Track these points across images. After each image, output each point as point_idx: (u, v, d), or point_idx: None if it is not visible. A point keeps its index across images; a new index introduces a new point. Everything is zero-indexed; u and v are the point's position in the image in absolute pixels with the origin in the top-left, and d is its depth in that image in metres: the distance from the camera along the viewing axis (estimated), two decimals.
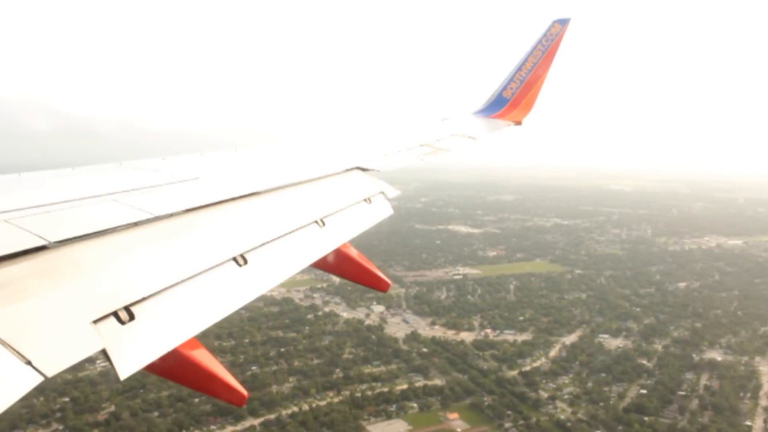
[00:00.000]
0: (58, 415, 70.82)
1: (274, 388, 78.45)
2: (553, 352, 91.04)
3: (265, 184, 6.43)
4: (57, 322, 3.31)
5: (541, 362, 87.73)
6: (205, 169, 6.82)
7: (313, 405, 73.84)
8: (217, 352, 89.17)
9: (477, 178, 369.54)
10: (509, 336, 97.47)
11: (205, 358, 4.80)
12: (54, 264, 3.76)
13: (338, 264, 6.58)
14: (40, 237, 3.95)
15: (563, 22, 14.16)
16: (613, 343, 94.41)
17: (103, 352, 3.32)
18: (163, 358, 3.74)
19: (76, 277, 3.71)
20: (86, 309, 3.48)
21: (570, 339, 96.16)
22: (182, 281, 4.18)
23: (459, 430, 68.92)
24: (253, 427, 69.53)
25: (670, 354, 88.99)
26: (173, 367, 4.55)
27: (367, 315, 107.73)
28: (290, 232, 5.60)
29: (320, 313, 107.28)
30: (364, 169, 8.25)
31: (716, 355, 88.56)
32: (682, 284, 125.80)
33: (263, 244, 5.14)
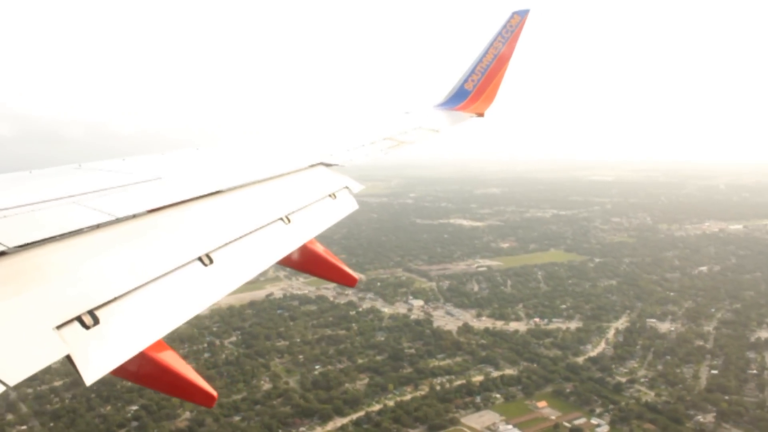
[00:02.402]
0: (135, 423, 67.47)
1: (348, 386, 76.60)
2: (610, 338, 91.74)
3: (229, 182, 6.39)
4: (18, 329, 3.22)
5: (603, 348, 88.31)
6: (168, 169, 6.75)
7: (398, 400, 72.32)
8: (272, 352, 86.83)
9: (455, 173, 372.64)
10: (559, 324, 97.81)
11: (173, 360, 4.69)
12: (13, 270, 3.63)
13: (305, 261, 6.66)
14: None
15: (522, 14, 14.32)
16: (663, 327, 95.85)
17: (68, 358, 3.24)
18: (131, 362, 3.67)
19: (37, 282, 3.61)
20: (49, 314, 3.39)
21: (620, 324, 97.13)
22: (147, 283, 4.11)
23: (553, 417, 68.50)
24: (344, 426, 67.51)
25: (724, 335, 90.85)
26: (141, 371, 4.48)
27: (409, 309, 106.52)
28: (256, 230, 5.56)
29: (361, 310, 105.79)
30: (327, 165, 8.29)
31: None
32: (703, 268, 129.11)
33: (228, 243, 5.11)
